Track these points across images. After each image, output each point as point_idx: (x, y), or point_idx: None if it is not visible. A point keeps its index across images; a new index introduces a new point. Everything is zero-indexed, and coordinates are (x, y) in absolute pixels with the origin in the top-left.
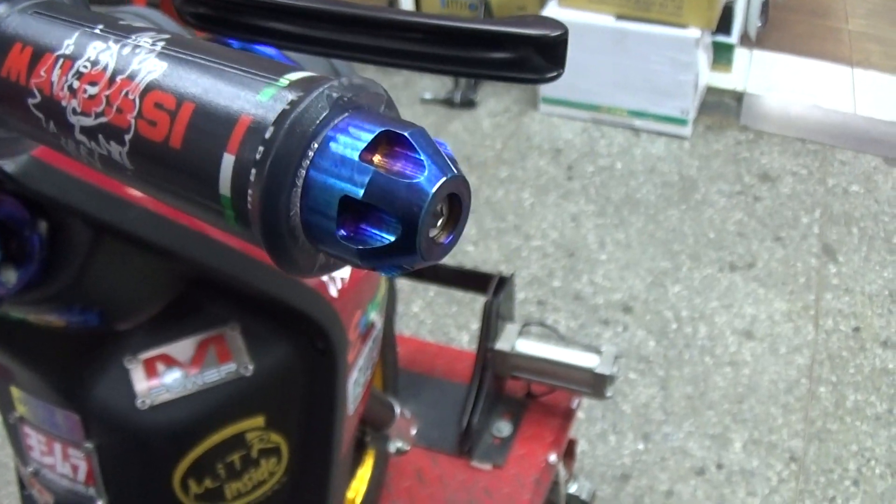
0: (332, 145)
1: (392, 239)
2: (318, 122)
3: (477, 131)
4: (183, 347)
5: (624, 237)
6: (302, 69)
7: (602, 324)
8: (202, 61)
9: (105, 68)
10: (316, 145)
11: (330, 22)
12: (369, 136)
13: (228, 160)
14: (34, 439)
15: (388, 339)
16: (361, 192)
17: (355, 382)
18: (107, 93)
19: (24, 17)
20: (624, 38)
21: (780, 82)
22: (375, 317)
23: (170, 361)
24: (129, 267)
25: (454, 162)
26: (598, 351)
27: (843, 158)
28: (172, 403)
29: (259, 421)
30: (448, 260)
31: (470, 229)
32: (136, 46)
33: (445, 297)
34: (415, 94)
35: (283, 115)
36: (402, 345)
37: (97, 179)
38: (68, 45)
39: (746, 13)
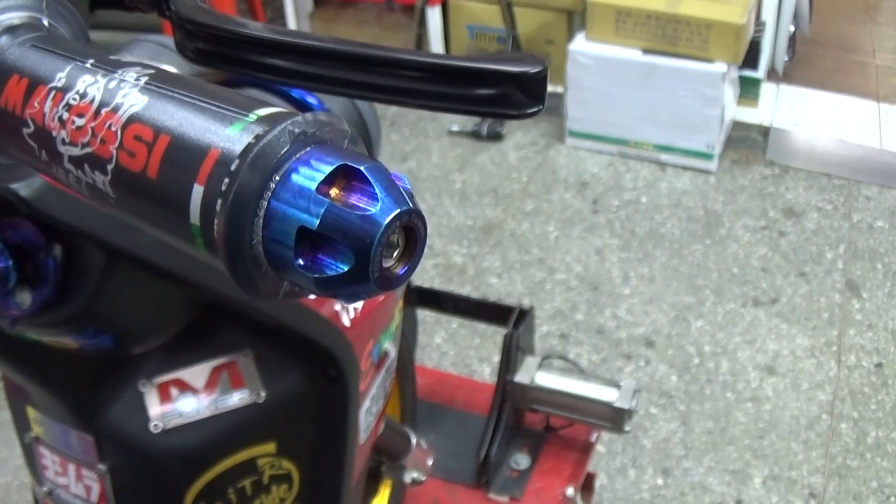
0: (294, 177)
1: (346, 268)
2: (280, 155)
3: (503, 164)
4: (197, 373)
5: (648, 271)
6: (273, 105)
7: (624, 358)
8: (180, 96)
9: (92, 101)
10: (278, 177)
11: (320, 58)
12: (327, 170)
13: (198, 191)
14: (49, 459)
15: (407, 369)
16: (317, 222)
17: (367, 411)
18: (92, 124)
19: (22, 50)
20: (651, 73)
21: (806, 117)
22: (389, 347)
23: (184, 386)
24: (143, 291)
25: (410, 196)
26: (617, 385)
27: (868, 194)
28: (185, 428)
29: (271, 447)
30: (471, 292)
31: (494, 261)
32: (122, 81)
33: (468, 330)
34: (442, 126)
35: (248, 148)
36: (423, 376)
37: (126, 220)
38: (60, 78)
39: (773, 48)
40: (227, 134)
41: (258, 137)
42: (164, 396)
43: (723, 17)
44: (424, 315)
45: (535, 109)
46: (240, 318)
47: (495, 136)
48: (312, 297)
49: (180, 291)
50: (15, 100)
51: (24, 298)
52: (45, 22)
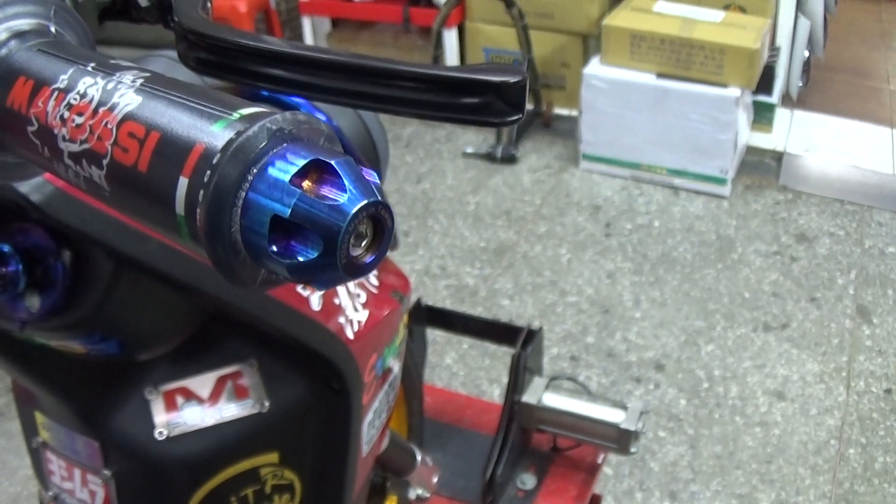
0: (270, 170)
1: (315, 255)
2: (258, 149)
3: (517, 186)
4: (202, 382)
5: (659, 295)
6: (256, 105)
7: (634, 381)
8: (172, 96)
9: (91, 101)
10: (255, 170)
11: (312, 67)
12: (301, 163)
13: (183, 183)
14: (55, 464)
15: (415, 387)
16: (289, 211)
17: (370, 424)
18: (90, 122)
19: (29, 54)
20: (665, 96)
21: (819, 142)
22: (393, 361)
23: (189, 395)
24: (150, 299)
25: (379, 189)
26: (623, 407)
27: (880, 220)
28: (189, 436)
29: (273, 457)
30: (483, 313)
31: (506, 283)
32: (119, 82)
33: (479, 350)
34: (457, 148)
35: (229, 143)
36: (432, 395)
37: (119, 212)
38: (63, 80)
39: (788, 73)
40: (211, 130)
41: (239, 133)
42: (170, 404)
43: (737, 41)
44: (435, 335)
45: (515, 118)
46: (245, 329)
47: (509, 159)
48: (316, 308)
49: (187, 300)
50: (21, 100)
51: (33, 302)
52: (53, 29)
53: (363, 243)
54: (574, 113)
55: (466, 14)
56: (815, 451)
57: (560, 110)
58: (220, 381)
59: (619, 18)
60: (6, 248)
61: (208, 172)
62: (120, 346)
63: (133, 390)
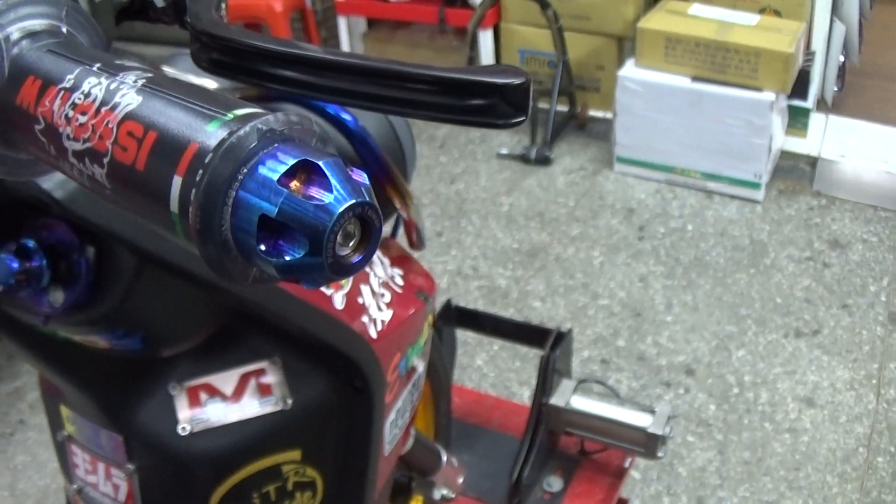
0: (260, 169)
1: (301, 254)
2: (248, 149)
3: (551, 188)
4: (226, 378)
5: (691, 299)
6: (252, 106)
7: (664, 385)
8: (171, 97)
9: (94, 100)
10: (245, 170)
11: (322, 69)
12: (290, 162)
13: (177, 181)
14: (80, 458)
15: (443, 388)
16: (276, 210)
17: (393, 423)
18: (93, 121)
19: (39, 54)
20: (699, 100)
21: (854, 148)
22: (417, 361)
23: (212, 391)
24: (172, 295)
25: (367, 190)
26: (651, 411)
27: None
28: (212, 432)
29: (296, 454)
30: (514, 315)
31: (538, 285)
32: (122, 83)
33: (509, 352)
34: (491, 149)
35: (221, 143)
36: (460, 395)
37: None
38: (69, 80)
39: (823, 78)
40: (205, 130)
41: (231, 133)
42: (194, 400)
43: (772, 45)
44: (466, 336)
45: (519, 119)
46: (269, 327)
47: (543, 161)
48: (340, 307)
49: (210, 297)
50: (29, 99)
51: (57, 297)
52: (64, 29)
53: (351, 243)
54: (609, 115)
55: (502, 15)
56: (843, 458)
57: (595, 112)
58: (244, 378)
59: (654, 21)
60: (31, 244)
61: (200, 171)
62: (143, 341)
63: (157, 386)
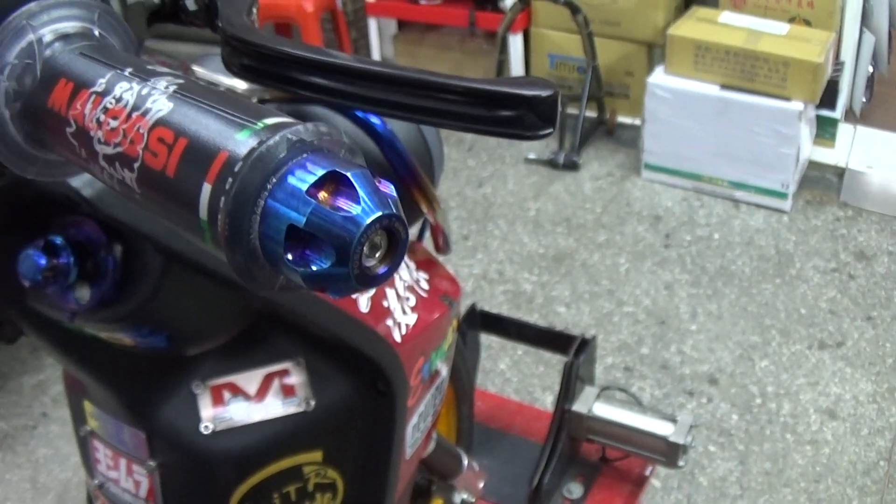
0: (289, 179)
1: (328, 265)
2: (278, 159)
3: (578, 194)
4: (249, 378)
5: (716, 308)
6: (282, 115)
7: (687, 394)
8: (202, 104)
9: (126, 105)
10: (275, 179)
11: (351, 76)
12: (318, 173)
13: (207, 189)
14: (102, 453)
15: (465, 392)
16: (304, 220)
17: (415, 427)
18: (124, 126)
19: (72, 57)
20: (727, 108)
21: (882, 159)
22: (440, 365)
23: (236, 390)
24: (199, 295)
25: (395, 202)
26: (673, 420)
27: None
28: (235, 431)
29: (317, 456)
30: (539, 320)
31: (563, 291)
32: (153, 88)
33: (533, 357)
34: (519, 153)
35: (251, 152)
36: (483, 400)
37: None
38: (101, 84)
39: (852, 88)
40: (236, 139)
41: (261, 142)
42: (217, 399)
43: (801, 55)
44: (490, 340)
45: (547, 132)
46: (294, 328)
47: (571, 166)
48: (364, 310)
49: (236, 297)
50: (61, 102)
51: (83, 294)
52: (97, 32)
53: (377, 254)
54: (637, 122)
55: (532, 20)
56: (864, 471)
57: (623, 119)
58: (268, 379)
59: (684, 28)
60: (58, 241)
61: (230, 179)
62: (168, 339)
63: (181, 384)
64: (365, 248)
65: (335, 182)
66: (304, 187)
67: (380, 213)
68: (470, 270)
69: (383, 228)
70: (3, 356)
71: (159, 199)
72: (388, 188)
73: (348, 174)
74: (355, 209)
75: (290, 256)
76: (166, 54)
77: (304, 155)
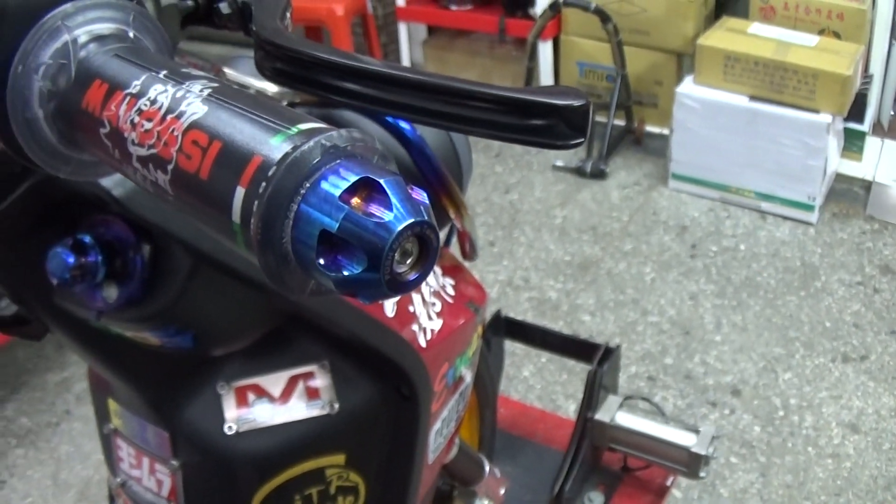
0: (323, 184)
1: (359, 270)
2: (312, 164)
3: (605, 202)
4: (274, 380)
5: (741, 320)
6: (315, 121)
7: (710, 405)
8: (236, 108)
9: (160, 107)
10: (308, 184)
11: (383, 83)
12: (352, 179)
13: (240, 192)
14: (125, 451)
15: (489, 398)
16: (336, 225)
17: (438, 432)
18: (158, 128)
19: (106, 58)
20: (755, 119)
21: None
22: (465, 371)
23: (260, 392)
24: (226, 296)
25: (427, 209)
26: (696, 430)
27: None
28: (258, 432)
29: (340, 459)
30: (563, 328)
31: (588, 299)
32: (188, 91)
33: (557, 365)
34: (547, 160)
35: (285, 156)
36: (506, 407)
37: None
38: (135, 85)
39: (880, 101)
40: (270, 143)
41: (295, 147)
42: (241, 400)
43: (830, 67)
44: (514, 347)
45: (578, 141)
46: (320, 331)
47: (599, 174)
48: (390, 314)
49: (263, 299)
50: (95, 103)
51: (111, 293)
52: (131, 34)
53: (409, 261)
54: (665, 131)
55: (562, 27)
56: (884, 486)
57: (652, 128)
58: (292, 381)
59: (714, 38)
60: (87, 239)
61: (263, 184)
62: (194, 340)
63: (205, 384)
64: (396, 255)
65: (368, 188)
66: (338, 193)
67: (412, 220)
68: (495, 277)
69: (415, 235)
70: (27, 353)
71: (192, 201)
72: (421, 195)
73: (381, 180)
74: (388, 215)
75: (322, 261)
76: (197, 56)
77: (338, 161)
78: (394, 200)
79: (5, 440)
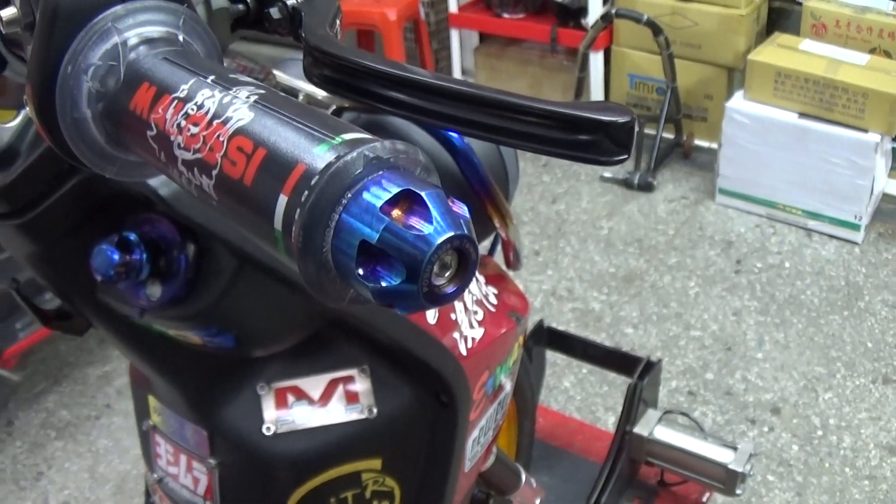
0: (365, 195)
1: (398, 282)
2: (354, 174)
3: (651, 215)
4: (314, 383)
5: (783, 337)
6: (360, 131)
7: (749, 422)
8: (281, 116)
9: (207, 112)
10: (350, 194)
11: (429, 93)
12: (393, 190)
13: (283, 200)
14: (163, 448)
15: (528, 408)
16: (377, 236)
17: (475, 441)
18: (204, 133)
19: (155, 61)
20: (804, 137)
21: None
22: (505, 380)
23: (300, 394)
24: (269, 299)
25: (467, 223)
26: (734, 447)
27: None
28: (296, 434)
29: (376, 463)
30: (605, 340)
31: (632, 311)
32: (235, 97)
33: (597, 377)
34: (595, 171)
35: (328, 166)
36: (545, 417)
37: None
38: (183, 90)
39: None
40: (313, 152)
41: (338, 157)
42: (281, 402)
43: (880, 86)
44: (556, 357)
45: (621, 158)
46: (361, 335)
47: (646, 187)
48: (432, 321)
49: (305, 302)
50: (143, 105)
51: (154, 291)
52: (181, 37)
53: (447, 274)
54: (714, 146)
55: (614, 38)
56: None
57: (700, 142)
58: (332, 384)
59: (765, 54)
60: (132, 237)
61: (306, 192)
62: (236, 340)
63: (245, 385)
64: (435, 267)
65: (409, 200)
66: (379, 204)
67: (451, 234)
68: (539, 286)
69: (454, 248)
70: (70, 346)
71: (235, 206)
72: (462, 209)
73: (422, 193)
74: (427, 228)
75: (361, 271)
76: (248, 58)
77: (380, 172)
78: (434, 213)
79: (45, 432)
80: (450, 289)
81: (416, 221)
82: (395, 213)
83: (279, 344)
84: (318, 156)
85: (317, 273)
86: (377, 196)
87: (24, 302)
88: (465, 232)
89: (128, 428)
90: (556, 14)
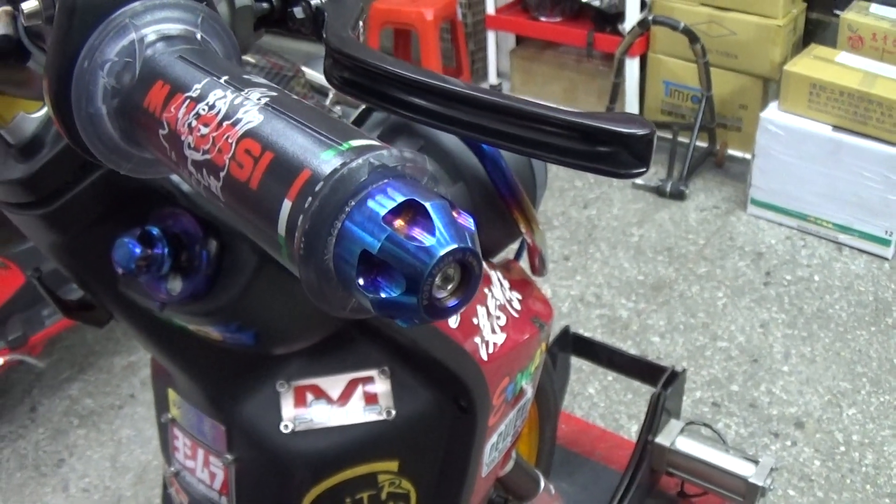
0: (369, 203)
1: (398, 293)
2: (359, 182)
3: (682, 223)
4: (334, 382)
5: (809, 351)
6: (369, 138)
7: (772, 435)
8: (291, 119)
9: (217, 113)
10: (353, 202)
11: (449, 100)
12: (398, 199)
13: (287, 205)
14: (181, 442)
15: (550, 414)
16: (378, 246)
17: (493, 446)
18: (214, 134)
19: (171, 59)
20: (838, 149)
21: None
22: (526, 386)
23: (319, 393)
24: (290, 297)
25: (472, 236)
26: (755, 461)
27: None
28: (314, 433)
29: (393, 465)
30: (631, 348)
31: (659, 320)
32: (246, 99)
33: (622, 384)
34: None
35: (333, 173)
36: (568, 423)
37: None
38: (196, 89)
39: None
40: (320, 157)
41: (344, 164)
42: (300, 400)
43: None
44: (580, 363)
45: (640, 171)
46: (382, 337)
47: (678, 195)
48: (453, 326)
49: None
50: (156, 103)
51: (175, 285)
52: (199, 36)
53: (449, 287)
54: (747, 156)
55: (650, 45)
56: None
57: (734, 152)
58: (352, 384)
59: (801, 66)
60: (155, 231)
61: (310, 198)
62: (256, 337)
63: (265, 382)
64: (437, 280)
65: (413, 211)
66: (382, 213)
67: (454, 247)
68: (567, 291)
69: (457, 262)
70: (96, 335)
71: (241, 209)
72: (467, 221)
73: (427, 204)
74: (429, 240)
75: (361, 281)
76: (279, 54)
77: (386, 180)
78: (438, 225)
79: (68, 419)
80: (451, 302)
81: (418, 232)
82: (398, 223)
83: (299, 342)
84: (324, 161)
85: (318, 281)
86: (381, 204)
87: (45, 292)
88: (469, 245)
89: (150, 418)
90: (593, 19)
